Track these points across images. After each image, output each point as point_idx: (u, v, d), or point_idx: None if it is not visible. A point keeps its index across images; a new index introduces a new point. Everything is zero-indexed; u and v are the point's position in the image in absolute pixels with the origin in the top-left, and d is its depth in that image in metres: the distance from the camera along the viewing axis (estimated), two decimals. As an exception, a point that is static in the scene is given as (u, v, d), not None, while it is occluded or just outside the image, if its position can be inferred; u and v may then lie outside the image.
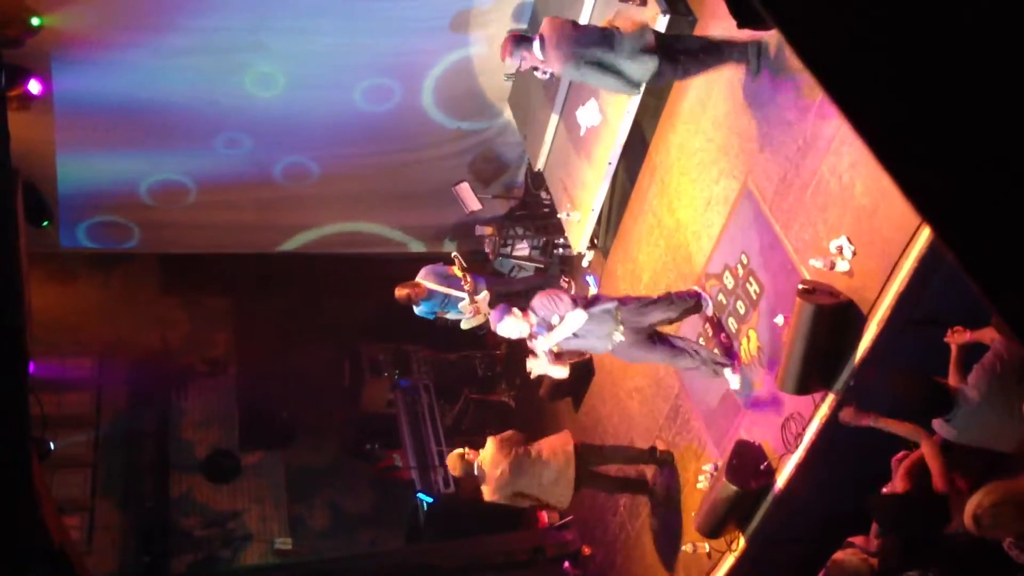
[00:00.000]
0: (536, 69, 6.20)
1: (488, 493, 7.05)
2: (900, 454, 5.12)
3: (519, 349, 10.62)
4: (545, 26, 6.02)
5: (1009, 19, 0.98)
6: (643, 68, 5.81)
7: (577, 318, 5.84)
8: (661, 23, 6.61)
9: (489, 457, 6.98)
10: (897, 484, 4.97)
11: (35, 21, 7.74)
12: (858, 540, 5.18)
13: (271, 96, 8.93)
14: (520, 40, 6.09)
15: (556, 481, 7.07)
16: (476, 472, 7.00)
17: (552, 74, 6.29)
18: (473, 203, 9.14)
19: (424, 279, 7.97)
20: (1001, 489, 4.24)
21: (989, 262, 1.02)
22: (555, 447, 7.12)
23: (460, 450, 7.14)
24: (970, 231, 1.02)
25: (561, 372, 6.18)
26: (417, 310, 8.03)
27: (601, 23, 6.27)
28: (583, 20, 7.62)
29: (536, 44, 5.95)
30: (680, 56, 5.90)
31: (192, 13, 8.09)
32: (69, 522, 9.10)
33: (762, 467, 6.02)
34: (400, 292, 7.86)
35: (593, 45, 5.82)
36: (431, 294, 7.92)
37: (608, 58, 5.78)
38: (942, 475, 4.71)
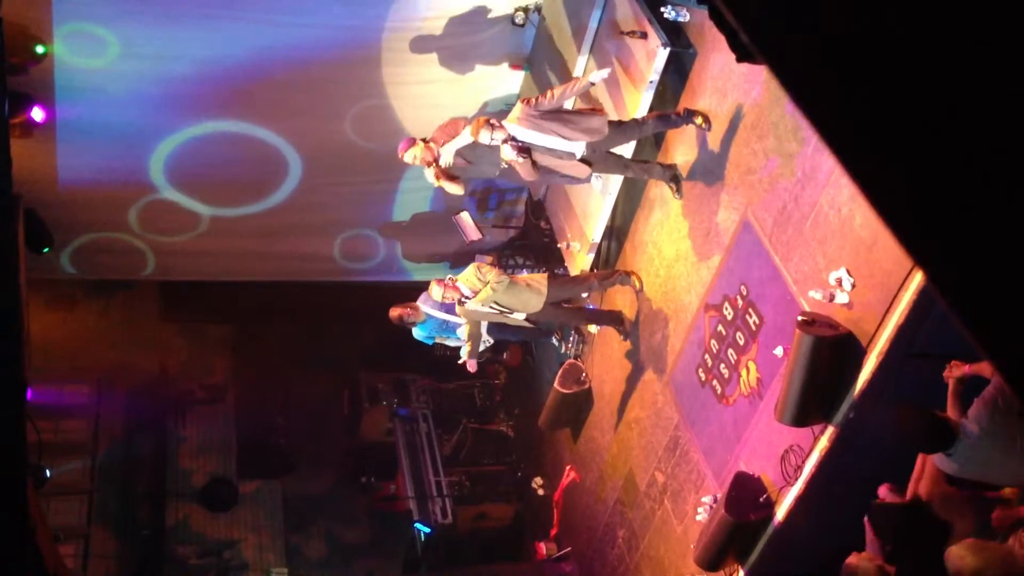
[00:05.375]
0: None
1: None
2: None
3: (517, 379, 10.62)
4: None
5: (1006, 65, 0.98)
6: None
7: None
8: (662, 56, 6.70)
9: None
10: (923, 488, 4.91)
11: (40, 49, 7.77)
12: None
13: (274, 125, 8.97)
14: None
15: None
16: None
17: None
18: (473, 232, 9.15)
19: (423, 303, 7.93)
20: (986, 552, 4.23)
21: (981, 307, 1.02)
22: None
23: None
24: (962, 275, 1.01)
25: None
26: (415, 333, 7.97)
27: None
28: (583, 52, 7.70)
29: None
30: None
31: (194, 43, 8.13)
32: (64, 550, 9.01)
33: (761, 499, 5.99)
34: (394, 312, 7.74)
35: None
36: (428, 318, 7.87)
37: None
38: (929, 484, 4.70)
